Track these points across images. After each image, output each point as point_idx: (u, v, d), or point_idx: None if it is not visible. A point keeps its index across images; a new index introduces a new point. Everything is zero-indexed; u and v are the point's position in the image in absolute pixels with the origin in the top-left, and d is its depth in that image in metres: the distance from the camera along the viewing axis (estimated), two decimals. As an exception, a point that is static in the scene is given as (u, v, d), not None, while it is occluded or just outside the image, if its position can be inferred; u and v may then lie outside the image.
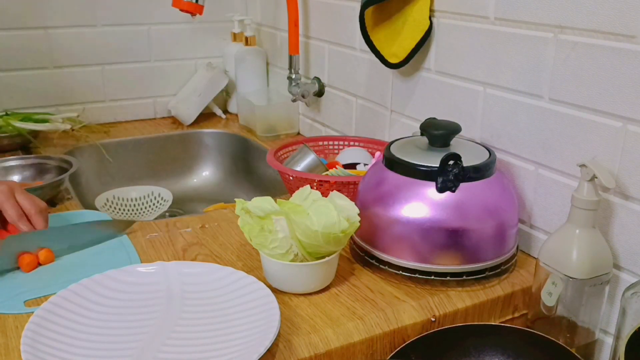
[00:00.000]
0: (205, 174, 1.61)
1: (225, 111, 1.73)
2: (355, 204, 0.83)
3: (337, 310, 0.79)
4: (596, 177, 0.76)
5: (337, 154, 1.23)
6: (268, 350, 0.68)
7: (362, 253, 0.89)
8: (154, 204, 1.38)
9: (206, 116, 1.66)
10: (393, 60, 1.07)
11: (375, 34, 1.07)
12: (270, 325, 0.70)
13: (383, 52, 1.07)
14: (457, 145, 0.90)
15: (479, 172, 0.84)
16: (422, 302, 0.81)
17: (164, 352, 0.69)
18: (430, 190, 0.82)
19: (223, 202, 1.33)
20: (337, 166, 1.12)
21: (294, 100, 1.43)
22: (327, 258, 0.80)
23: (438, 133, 0.88)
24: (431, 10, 1.05)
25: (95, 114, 1.58)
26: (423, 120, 0.93)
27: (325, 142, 1.25)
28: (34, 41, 1.47)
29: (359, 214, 0.82)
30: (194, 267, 0.83)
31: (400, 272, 0.85)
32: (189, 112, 1.60)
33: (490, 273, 0.85)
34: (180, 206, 1.46)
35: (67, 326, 0.72)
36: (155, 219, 1.15)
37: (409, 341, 0.77)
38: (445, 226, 0.81)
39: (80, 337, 0.71)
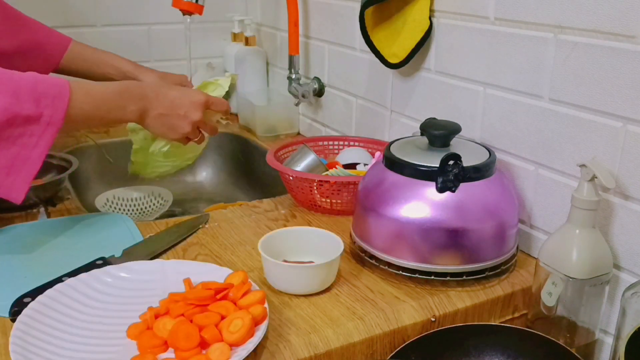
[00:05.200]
0: (205, 174, 1.61)
1: (226, 111, 1.72)
2: (356, 204, 0.83)
3: (337, 310, 0.79)
4: (596, 177, 0.76)
5: (337, 154, 1.23)
6: (268, 350, 0.68)
7: (362, 253, 0.89)
8: (154, 204, 1.38)
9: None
10: (393, 60, 1.07)
11: (375, 34, 1.07)
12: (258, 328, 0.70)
13: (383, 52, 1.07)
14: (457, 145, 0.90)
15: (479, 172, 0.84)
16: (422, 302, 0.81)
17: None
18: (430, 190, 0.82)
19: (223, 202, 1.33)
20: (337, 166, 1.12)
21: (297, 104, 1.43)
22: (328, 260, 0.80)
23: (438, 133, 0.88)
24: (431, 10, 1.05)
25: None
26: (423, 120, 0.93)
27: (325, 142, 1.26)
28: (34, 41, 1.47)
29: None
30: (192, 267, 0.83)
31: (400, 272, 0.85)
32: (189, 112, 1.60)
33: (490, 273, 0.85)
34: (180, 206, 1.46)
35: (62, 321, 0.72)
36: (156, 219, 1.15)
37: (409, 341, 0.77)
38: (445, 226, 0.81)
39: (75, 333, 0.71)
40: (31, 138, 0.81)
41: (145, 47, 1.61)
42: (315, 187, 1.04)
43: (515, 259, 0.90)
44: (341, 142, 1.25)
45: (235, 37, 1.67)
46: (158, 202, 1.38)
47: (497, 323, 0.86)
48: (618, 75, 0.77)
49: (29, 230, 0.98)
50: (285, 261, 0.84)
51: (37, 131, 0.81)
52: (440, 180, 0.82)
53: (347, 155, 1.19)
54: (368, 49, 1.08)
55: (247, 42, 1.63)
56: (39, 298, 0.73)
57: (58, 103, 0.82)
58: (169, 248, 0.93)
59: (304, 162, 1.11)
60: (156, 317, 0.72)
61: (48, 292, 0.75)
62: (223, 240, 0.97)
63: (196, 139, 1.07)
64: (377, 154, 1.14)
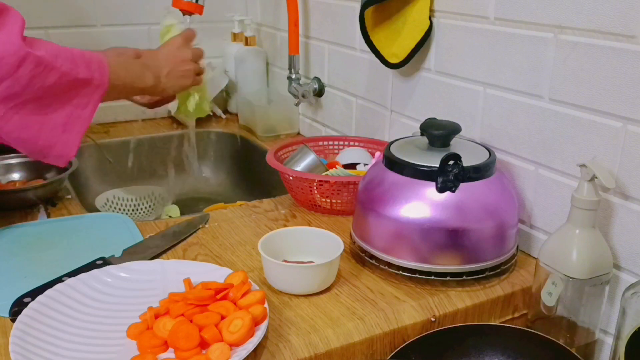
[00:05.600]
0: (205, 174, 1.61)
1: (225, 111, 1.72)
2: (356, 204, 0.83)
3: (337, 310, 0.79)
4: (596, 177, 0.76)
5: (337, 154, 1.23)
6: (268, 350, 0.68)
7: (362, 253, 0.89)
8: (154, 204, 1.38)
9: (206, 116, 1.66)
10: (393, 60, 1.07)
11: (375, 34, 1.07)
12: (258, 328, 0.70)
13: (383, 52, 1.07)
14: (457, 145, 0.90)
15: (479, 172, 0.84)
16: (422, 302, 0.81)
17: (163, 352, 0.69)
18: (430, 190, 0.82)
19: (223, 202, 1.33)
20: (337, 166, 1.12)
21: (297, 104, 1.43)
22: (328, 260, 0.80)
23: (438, 133, 0.88)
24: (431, 10, 1.05)
25: (95, 114, 1.58)
26: (423, 120, 0.93)
27: (325, 142, 1.26)
28: (34, 41, 1.47)
29: None
30: (192, 267, 0.83)
31: (400, 272, 0.85)
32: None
33: (490, 273, 0.85)
34: (181, 206, 1.46)
35: (62, 321, 0.72)
36: (156, 219, 1.15)
37: (409, 341, 0.77)
38: (445, 226, 0.81)
39: (75, 333, 0.71)
40: (83, 99, 0.91)
41: (145, 47, 1.60)
42: (315, 187, 1.04)
43: (515, 259, 0.90)
44: (341, 142, 1.25)
45: (235, 37, 1.67)
46: (158, 202, 1.38)
47: (497, 323, 0.86)
48: (618, 75, 0.77)
49: (29, 230, 0.98)
50: (285, 261, 0.84)
51: (88, 92, 0.91)
52: (440, 180, 0.82)
53: (347, 155, 1.20)
54: (368, 49, 1.08)
55: (247, 42, 1.63)
56: (39, 298, 0.73)
57: (103, 68, 0.93)
58: (169, 248, 0.93)
59: (304, 162, 1.11)
60: (156, 317, 0.72)
61: (48, 292, 0.75)
62: (223, 240, 0.97)
63: (201, 71, 1.19)
64: (377, 154, 1.14)
